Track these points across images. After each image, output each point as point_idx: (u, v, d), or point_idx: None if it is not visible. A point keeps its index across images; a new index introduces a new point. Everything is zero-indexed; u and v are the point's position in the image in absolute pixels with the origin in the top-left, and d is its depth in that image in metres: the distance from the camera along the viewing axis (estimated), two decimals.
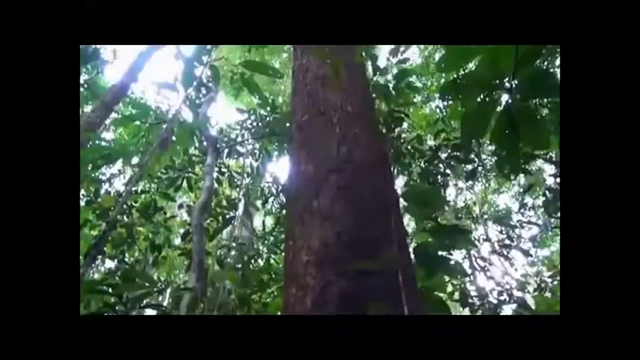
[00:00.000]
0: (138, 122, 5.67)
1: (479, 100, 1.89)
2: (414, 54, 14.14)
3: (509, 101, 1.84)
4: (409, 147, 5.30)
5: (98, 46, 12.73)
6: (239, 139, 7.27)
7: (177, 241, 7.76)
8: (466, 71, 2.01)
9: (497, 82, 1.86)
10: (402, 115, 5.01)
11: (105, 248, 5.72)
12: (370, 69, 4.80)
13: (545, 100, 2.02)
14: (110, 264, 7.15)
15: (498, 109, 1.92)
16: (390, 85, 4.77)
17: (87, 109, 9.52)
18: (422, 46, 14.11)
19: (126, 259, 6.19)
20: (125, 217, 5.83)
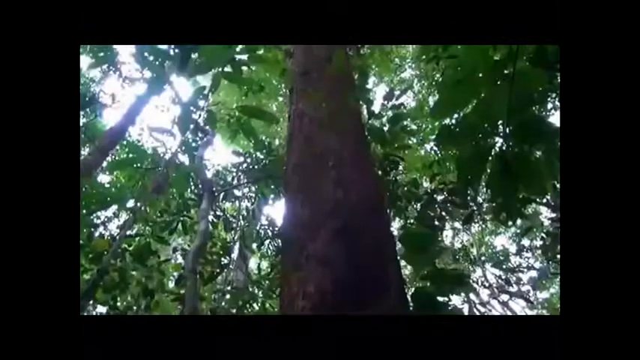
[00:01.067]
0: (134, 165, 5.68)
1: (474, 146, 1.90)
2: (407, 97, 14.40)
3: (504, 147, 1.85)
4: (405, 190, 5.31)
5: (97, 89, 12.90)
6: (235, 182, 7.28)
7: (172, 284, 7.62)
8: (460, 118, 2.02)
9: (491, 128, 1.87)
10: (398, 159, 5.03)
11: (96, 294, 5.60)
12: (365, 113, 4.86)
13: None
14: (102, 309, 6.99)
15: (493, 152, 1.93)
16: (385, 128, 4.82)
17: (84, 151, 9.56)
18: (416, 90, 14.37)
19: (118, 305, 6.06)
20: (118, 261, 5.74)
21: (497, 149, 1.87)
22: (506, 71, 1.97)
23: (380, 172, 4.88)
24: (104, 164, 9.42)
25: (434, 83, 12.09)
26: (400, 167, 6.02)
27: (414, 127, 12.56)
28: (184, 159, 6.27)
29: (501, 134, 1.85)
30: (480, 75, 2.03)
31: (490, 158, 1.88)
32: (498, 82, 1.92)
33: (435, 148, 11.63)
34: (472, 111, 1.94)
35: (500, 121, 1.89)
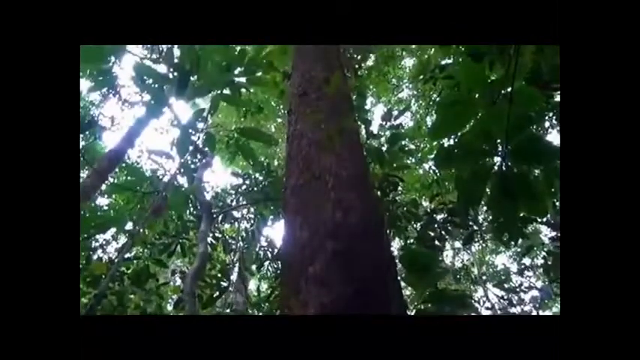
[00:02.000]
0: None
1: (473, 166, 1.89)
2: (405, 117, 14.48)
3: (504, 168, 1.84)
4: (405, 210, 5.30)
5: (96, 112, 12.91)
6: (234, 203, 7.26)
7: (170, 307, 7.54)
8: (457, 139, 2.02)
9: (490, 148, 1.87)
10: (397, 179, 5.03)
11: None
12: (364, 133, 4.88)
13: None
14: None
15: (493, 172, 1.91)
16: (384, 149, 4.83)
17: (82, 174, 9.54)
18: (413, 109, 14.45)
19: None
20: (116, 285, 5.68)
21: (497, 169, 1.86)
22: (502, 91, 1.98)
23: (379, 193, 4.87)
24: (103, 187, 9.40)
25: (431, 103, 12.17)
26: (399, 187, 6.03)
27: (412, 146, 12.59)
28: (183, 180, 6.27)
29: (500, 154, 1.85)
30: (477, 95, 2.04)
31: (490, 178, 1.86)
32: (495, 102, 1.92)
33: (433, 167, 11.64)
34: (470, 131, 1.93)
35: (498, 141, 1.88)
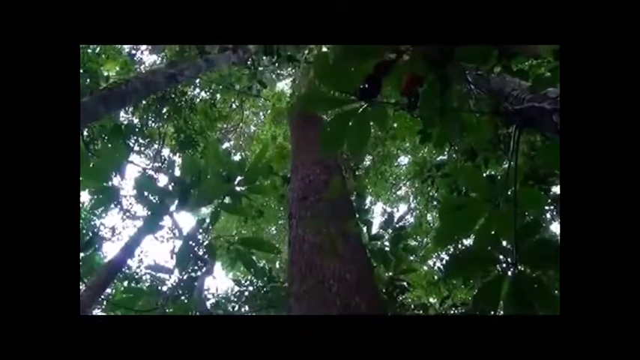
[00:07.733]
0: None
1: (484, 274, 1.84)
2: (406, 218, 14.52)
3: (516, 273, 1.79)
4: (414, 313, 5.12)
5: (97, 222, 12.90)
6: (236, 310, 7.05)
7: None
8: (465, 246, 1.99)
9: (499, 253, 1.83)
10: (404, 283, 4.92)
11: None
12: (365, 232, 4.86)
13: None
14: None
15: (506, 279, 1.86)
16: (387, 248, 4.78)
17: (80, 287, 9.34)
18: (412, 205, 14.54)
19: None
20: None
21: (509, 274, 1.81)
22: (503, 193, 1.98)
23: (386, 297, 4.73)
24: (101, 298, 9.16)
25: (429, 199, 12.30)
26: (404, 284, 5.88)
27: (414, 243, 12.50)
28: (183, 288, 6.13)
29: (510, 259, 1.81)
30: (478, 195, 2.04)
31: (503, 284, 1.81)
32: (499, 205, 1.92)
33: (438, 265, 11.50)
34: (477, 238, 1.91)
35: (505, 243, 1.85)
